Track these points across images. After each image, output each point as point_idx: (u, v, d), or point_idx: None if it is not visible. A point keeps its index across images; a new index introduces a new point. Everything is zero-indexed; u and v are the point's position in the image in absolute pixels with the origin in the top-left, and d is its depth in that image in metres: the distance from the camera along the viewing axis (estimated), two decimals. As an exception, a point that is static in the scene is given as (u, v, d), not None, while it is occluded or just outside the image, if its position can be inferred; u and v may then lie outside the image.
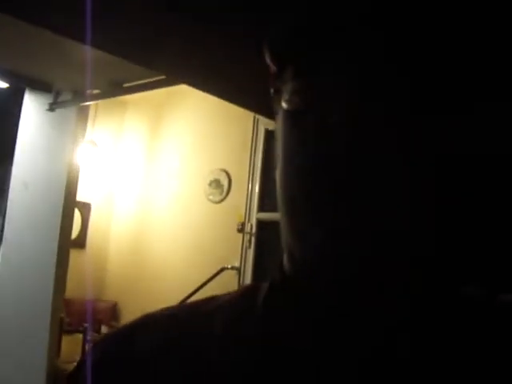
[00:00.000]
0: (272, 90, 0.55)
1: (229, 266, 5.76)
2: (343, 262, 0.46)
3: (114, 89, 4.99)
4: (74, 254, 6.09)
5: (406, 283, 0.47)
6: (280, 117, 0.53)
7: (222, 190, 6.24)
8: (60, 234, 5.48)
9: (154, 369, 0.56)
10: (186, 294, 5.46)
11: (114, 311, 7.07)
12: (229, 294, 0.63)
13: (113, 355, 0.60)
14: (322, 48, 0.47)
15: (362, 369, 0.48)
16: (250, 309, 0.57)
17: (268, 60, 0.53)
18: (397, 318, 0.48)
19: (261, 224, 5.76)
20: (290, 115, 0.51)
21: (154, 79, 4.43)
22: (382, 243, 0.45)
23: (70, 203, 5.60)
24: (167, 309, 0.64)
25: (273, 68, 0.54)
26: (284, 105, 0.51)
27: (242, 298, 0.61)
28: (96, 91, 5.20)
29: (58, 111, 5.68)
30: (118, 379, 0.58)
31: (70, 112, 5.61)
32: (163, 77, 4.27)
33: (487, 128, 0.45)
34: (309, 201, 0.48)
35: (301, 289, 0.53)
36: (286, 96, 0.51)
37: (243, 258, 5.83)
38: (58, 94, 5.66)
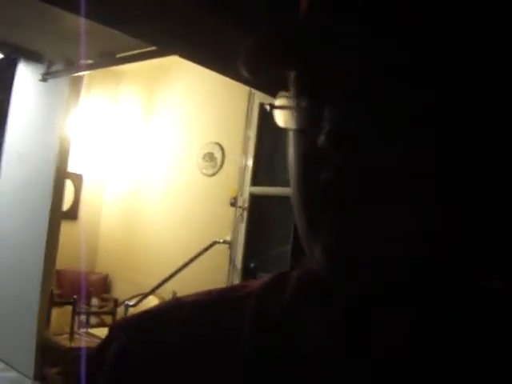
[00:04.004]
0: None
1: (220, 240, 5.76)
2: (344, 277, 0.47)
3: (107, 59, 4.95)
4: (66, 226, 6.09)
5: (424, 286, 0.47)
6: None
7: (216, 164, 6.22)
8: (51, 205, 5.48)
9: (180, 355, 0.56)
10: (177, 267, 5.47)
11: (105, 283, 7.09)
12: (258, 281, 0.63)
13: (139, 340, 0.60)
14: (311, 65, 0.48)
15: (376, 371, 0.49)
16: (278, 300, 0.57)
17: (243, 70, 0.52)
18: (415, 319, 0.49)
19: (253, 198, 5.75)
20: (292, 132, 0.52)
21: (147, 49, 4.40)
22: (384, 259, 0.46)
23: (61, 174, 5.59)
24: (196, 294, 0.64)
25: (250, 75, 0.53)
26: (280, 122, 0.52)
27: (271, 287, 0.60)
28: (89, 61, 5.16)
29: (52, 82, 5.65)
30: (143, 365, 0.58)
31: (63, 82, 5.59)
32: (155, 48, 4.25)
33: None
34: (305, 219, 0.49)
35: (325, 289, 0.53)
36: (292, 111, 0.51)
37: (235, 232, 5.83)
38: (50, 65, 5.63)
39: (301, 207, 0.50)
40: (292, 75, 0.51)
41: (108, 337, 0.63)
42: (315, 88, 0.48)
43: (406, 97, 0.43)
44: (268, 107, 0.51)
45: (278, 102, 0.52)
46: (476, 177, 0.45)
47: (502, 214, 0.47)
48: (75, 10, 3.04)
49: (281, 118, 0.51)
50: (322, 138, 0.45)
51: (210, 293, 0.64)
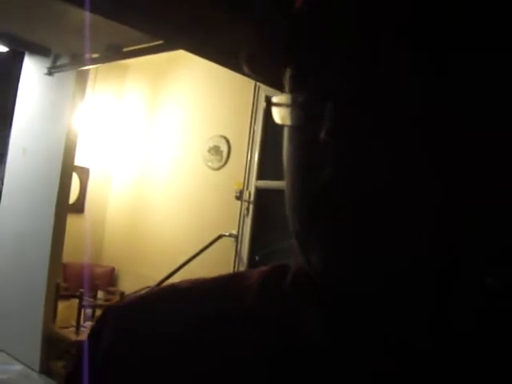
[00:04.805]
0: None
1: (226, 234, 5.76)
2: (341, 278, 0.46)
3: (113, 53, 4.96)
4: (72, 219, 6.10)
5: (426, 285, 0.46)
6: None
7: (222, 157, 6.23)
8: (58, 199, 5.50)
9: (173, 343, 0.56)
10: (183, 261, 5.48)
11: (111, 276, 7.10)
12: (255, 271, 0.62)
13: (131, 324, 0.59)
14: (308, 62, 0.47)
15: (374, 369, 0.48)
16: (276, 292, 0.57)
17: (245, 69, 0.52)
18: (413, 320, 0.48)
19: (259, 192, 5.75)
20: (287, 129, 0.51)
21: (153, 44, 4.40)
22: (383, 260, 0.45)
23: (68, 168, 5.61)
24: (191, 281, 0.64)
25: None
26: (277, 118, 0.51)
27: (270, 280, 0.60)
28: (95, 55, 5.16)
29: (58, 76, 5.66)
30: (136, 351, 0.57)
31: (69, 76, 5.60)
32: (162, 42, 4.25)
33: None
34: (301, 217, 0.49)
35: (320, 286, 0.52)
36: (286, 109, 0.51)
37: (241, 226, 5.83)
38: (56, 59, 5.64)
39: (296, 205, 0.49)
40: (289, 71, 0.51)
41: (99, 323, 0.62)
42: (314, 83, 0.47)
43: (407, 91, 0.43)
44: (264, 104, 0.51)
45: (275, 98, 0.51)
46: (476, 176, 0.44)
47: (501, 213, 0.46)
48: (81, 3, 3.04)
49: (278, 115, 0.51)
50: (322, 135, 0.44)
51: (205, 280, 0.63)
